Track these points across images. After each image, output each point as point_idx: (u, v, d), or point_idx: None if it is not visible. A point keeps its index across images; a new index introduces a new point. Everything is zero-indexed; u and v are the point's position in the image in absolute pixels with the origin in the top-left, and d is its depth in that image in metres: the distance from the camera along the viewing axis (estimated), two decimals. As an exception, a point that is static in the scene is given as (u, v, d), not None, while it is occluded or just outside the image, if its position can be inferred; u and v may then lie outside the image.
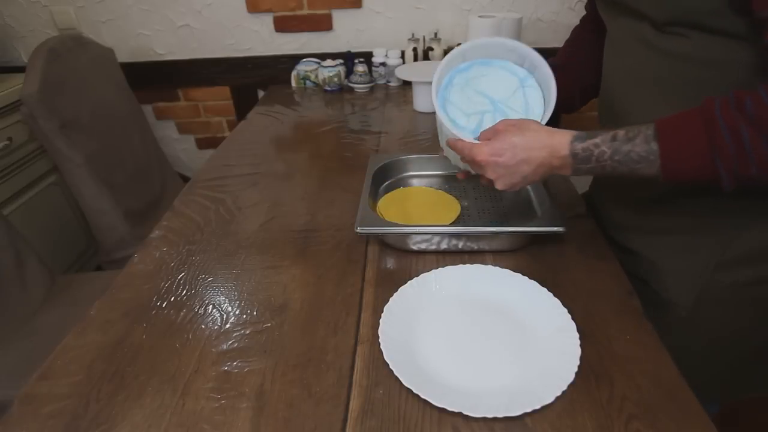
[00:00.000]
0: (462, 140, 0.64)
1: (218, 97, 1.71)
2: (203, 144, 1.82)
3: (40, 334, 1.02)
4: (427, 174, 0.91)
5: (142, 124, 1.52)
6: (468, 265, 0.68)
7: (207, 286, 0.70)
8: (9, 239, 1.07)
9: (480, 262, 0.69)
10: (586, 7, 0.84)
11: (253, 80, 1.66)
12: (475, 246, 0.72)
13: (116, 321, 0.64)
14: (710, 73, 0.54)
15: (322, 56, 1.54)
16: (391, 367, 0.53)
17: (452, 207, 0.81)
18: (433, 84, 0.69)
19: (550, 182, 0.78)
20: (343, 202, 0.88)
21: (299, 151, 1.12)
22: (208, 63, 1.64)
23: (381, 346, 0.56)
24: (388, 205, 0.83)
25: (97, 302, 0.67)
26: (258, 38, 1.61)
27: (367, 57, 1.52)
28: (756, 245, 0.60)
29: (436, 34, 1.50)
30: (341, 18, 1.56)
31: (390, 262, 0.72)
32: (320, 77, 1.49)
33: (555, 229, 0.69)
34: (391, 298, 0.63)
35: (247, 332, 0.61)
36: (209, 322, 0.63)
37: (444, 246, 0.72)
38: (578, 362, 0.52)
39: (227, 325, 0.63)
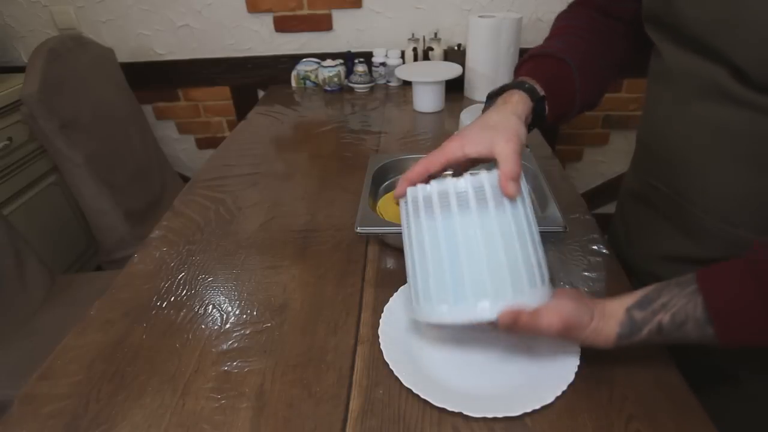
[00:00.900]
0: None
1: (218, 97, 1.71)
2: (203, 144, 1.82)
3: (40, 334, 1.02)
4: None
5: (142, 124, 1.52)
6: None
7: (207, 286, 0.70)
8: (9, 239, 1.07)
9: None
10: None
11: (253, 80, 1.67)
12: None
13: (116, 321, 0.64)
14: None
15: (322, 56, 1.54)
16: (391, 367, 0.53)
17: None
18: None
19: (550, 182, 0.78)
20: (343, 202, 0.88)
21: (299, 151, 1.12)
22: (208, 63, 1.64)
23: (381, 346, 0.56)
24: (388, 205, 0.83)
25: (97, 302, 0.67)
26: (258, 38, 1.61)
27: (367, 57, 1.52)
28: None
29: (436, 34, 1.50)
30: (341, 18, 1.56)
31: (390, 262, 0.72)
32: (320, 77, 1.50)
33: (555, 229, 0.69)
34: (391, 298, 0.63)
35: (247, 332, 0.61)
36: (209, 322, 0.63)
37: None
38: (578, 362, 0.52)
39: (227, 325, 0.63)
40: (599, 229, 0.77)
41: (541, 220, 0.72)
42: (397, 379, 0.52)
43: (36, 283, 1.11)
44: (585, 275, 0.68)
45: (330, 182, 0.96)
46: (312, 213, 0.86)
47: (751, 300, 0.42)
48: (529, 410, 0.48)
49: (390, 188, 0.88)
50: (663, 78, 0.58)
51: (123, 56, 1.56)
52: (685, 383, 0.51)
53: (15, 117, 1.39)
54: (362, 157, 1.02)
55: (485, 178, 0.46)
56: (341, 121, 1.28)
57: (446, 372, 0.54)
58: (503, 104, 0.55)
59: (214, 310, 0.65)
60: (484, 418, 0.48)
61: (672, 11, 0.51)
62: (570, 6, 0.70)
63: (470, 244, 0.46)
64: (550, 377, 0.51)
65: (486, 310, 0.46)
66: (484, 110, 0.58)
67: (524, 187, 0.49)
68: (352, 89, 1.50)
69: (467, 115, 1.05)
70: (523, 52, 1.33)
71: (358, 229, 0.70)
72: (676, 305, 0.45)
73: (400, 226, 0.71)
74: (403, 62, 1.51)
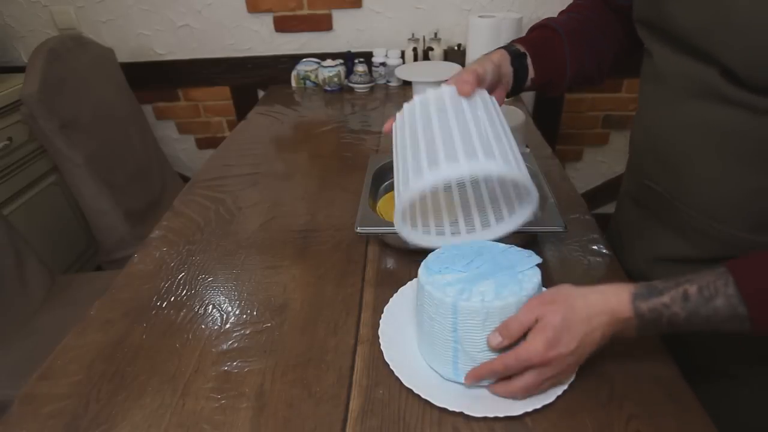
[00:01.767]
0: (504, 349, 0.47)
1: (218, 97, 1.71)
2: (203, 144, 1.82)
3: (40, 334, 1.02)
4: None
5: (142, 124, 1.52)
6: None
7: (207, 286, 0.70)
8: (9, 239, 1.07)
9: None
10: None
11: (253, 80, 1.67)
12: (475, 246, 0.72)
13: (116, 321, 0.64)
14: None
15: (322, 56, 1.54)
16: (391, 367, 0.53)
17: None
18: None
19: (550, 182, 0.78)
20: (343, 202, 0.88)
21: (299, 151, 1.12)
22: (208, 63, 1.64)
23: (381, 347, 0.56)
24: (388, 205, 0.83)
25: (97, 302, 0.67)
26: (258, 38, 1.61)
27: (367, 57, 1.52)
28: None
29: (436, 34, 1.50)
30: (341, 18, 1.56)
31: (390, 262, 0.72)
32: (320, 77, 1.49)
33: (555, 229, 0.69)
34: (391, 298, 0.63)
35: (247, 332, 0.61)
36: (209, 322, 0.63)
37: (444, 246, 0.72)
38: (578, 362, 0.52)
39: (227, 325, 0.63)
40: (599, 229, 0.77)
41: (541, 220, 0.73)
42: (397, 379, 0.52)
43: (36, 283, 1.11)
44: (585, 275, 0.68)
45: (330, 182, 0.96)
46: (312, 213, 0.86)
47: None
48: (529, 410, 0.48)
49: (390, 188, 0.88)
50: (654, 79, 0.58)
51: (123, 56, 1.56)
52: (685, 383, 0.51)
53: (15, 117, 1.39)
54: (362, 157, 1.02)
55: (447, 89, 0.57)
56: (341, 121, 1.28)
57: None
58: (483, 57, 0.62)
59: (214, 310, 0.65)
60: (485, 418, 0.48)
61: (662, 15, 0.52)
62: None
63: (443, 126, 0.53)
64: (551, 377, 0.51)
65: (461, 167, 0.49)
66: None
67: (490, 99, 0.58)
68: (352, 89, 1.50)
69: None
70: (523, 52, 1.33)
71: (358, 229, 0.70)
72: (703, 279, 0.44)
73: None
74: (403, 62, 1.51)
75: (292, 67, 1.56)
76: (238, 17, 1.57)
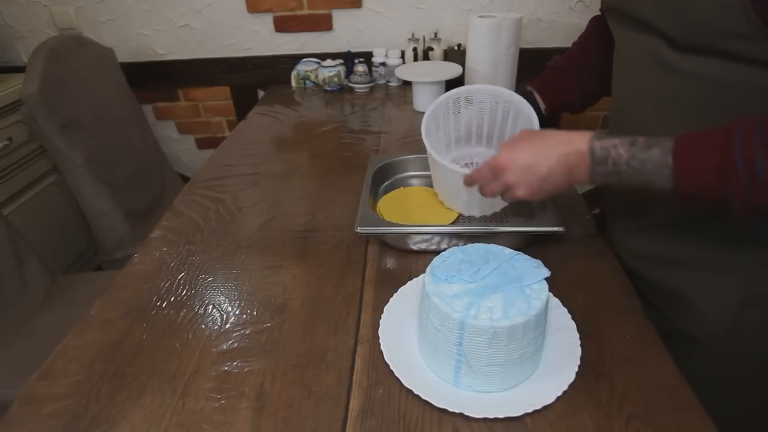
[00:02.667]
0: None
1: (218, 97, 1.71)
2: (203, 144, 1.82)
3: (40, 334, 1.02)
4: (427, 174, 0.91)
5: (142, 124, 1.52)
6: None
7: (207, 286, 0.70)
8: (9, 239, 1.07)
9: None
10: (601, 9, 0.80)
11: (253, 80, 1.66)
12: (475, 246, 0.72)
13: (116, 321, 0.64)
14: (733, 96, 0.51)
15: (322, 56, 1.54)
16: (391, 367, 0.53)
17: (452, 207, 0.81)
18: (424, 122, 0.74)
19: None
20: (343, 202, 0.88)
21: (299, 151, 1.12)
22: (208, 63, 1.64)
23: (381, 347, 0.56)
24: (388, 205, 0.83)
25: (97, 302, 0.67)
26: (258, 38, 1.61)
27: (367, 57, 1.52)
28: None
29: (436, 34, 1.50)
30: (341, 18, 1.56)
31: (390, 262, 0.72)
32: (320, 77, 1.49)
33: (555, 229, 0.69)
34: (391, 298, 0.63)
35: (247, 332, 0.61)
36: (209, 322, 0.63)
37: (444, 246, 0.72)
38: (578, 362, 0.52)
39: (227, 325, 0.63)
40: (599, 229, 0.77)
41: (541, 220, 0.73)
42: (397, 379, 0.52)
43: (36, 283, 1.11)
44: (585, 275, 0.68)
45: (330, 182, 0.96)
46: (312, 213, 0.86)
47: (710, 156, 0.46)
48: (529, 410, 0.48)
49: (390, 188, 0.88)
50: (617, 59, 0.66)
51: (123, 56, 1.56)
52: (685, 383, 0.51)
53: (15, 117, 1.39)
54: (362, 157, 1.02)
55: None
56: (341, 121, 1.28)
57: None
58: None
59: (214, 310, 0.65)
60: (485, 419, 0.48)
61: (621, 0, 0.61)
62: (590, 19, 0.84)
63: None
64: (550, 377, 0.51)
65: None
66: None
67: None
68: (352, 89, 1.50)
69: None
70: (523, 52, 1.33)
71: (358, 229, 0.70)
72: (654, 138, 0.51)
73: (400, 226, 0.72)
74: (403, 62, 1.51)
75: (292, 67, 1.56)
76: (238, 17, 1.57)
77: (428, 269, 0.54)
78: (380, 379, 0.54)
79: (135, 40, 1.61)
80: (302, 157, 1.09)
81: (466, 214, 0.77)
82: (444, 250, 0.72)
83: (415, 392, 0.50)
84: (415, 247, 0.73)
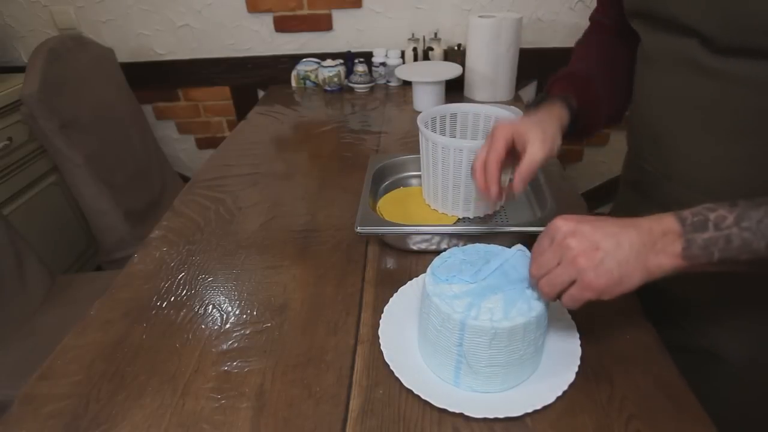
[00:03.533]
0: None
1: (218, 97, 1.71)
2: (203, 144, 1.82)
3: (40, 334, 1.02)
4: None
5: (142, 124, 1.52)
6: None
7: (207, 286, 0.70)
8: (9, 239, 1.07)
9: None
10: (597, 11, 0.75)
11: (253, 80, 1.66)
12: (475, 246, 0.72)
13: (116, 321, 0.64)
14: None
15: (322, 56, 1.54)
16: (391, 368, 0.53)
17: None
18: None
19: (550, 182, 0.78)
20: (343, 202, 0.88)
21: (299, 151, 1.12)
22: (207, 63, 1.64)
23: (381, 347, 0.56)
24: (388, 205, 0.83)
25: (97, 302, 0.67)
26: (258, 38, 1.61)
27: (367, 57, 1.52)
28: None
29: (436, 34, 1.50)
30: (341, 18, 1.56)
31: (390, 262, 0.72)
32: (320, 77, 1.49)
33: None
34: (391, 298, 0.63)
35: (247, 332, 0.61)
36: (209, 322, 0.63)
37: (444, 246, 0.72)
38: (578, 362, 0.52)
39: (227, 325, 0.63)
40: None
41: (541, 220, 0.73)
42: (397, 379, 0.52)
43: (36, 283, 1.11)
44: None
45: (330, 182, 0.96)
46: (312, 213, 0.86)
47: None
48: (529, 410, 0.48)
49: (390, 188, 0.88)
50: (644, 61, 0.62)
51: (123, 56, 1.56)
52: (685, 383, 0.51)
53: (15, 117, 1.39)
54: (362, 157, 1.02)
55: None
56: (341, 121, 1.28)
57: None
58: (549, 110, 0.63)
59: (214, 310, 0.65)
60: (485, 419, 0.48)
61: (648, 3, 0.56)
62: (585, 35, 0.77)
63: None
64: (551, 377, 0.51)
65: None
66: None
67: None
68: (352, 89, 1.50)
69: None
70: (522, 52, 1.33)
71: (358, 229, 0.70)
72: (755, 199, 0.41)
73: (400, 226, 0.72)
74: (403, 62, 1.51)
75: (292, 67, 1.56)
76: (238, 17, 1.57)
77: (429, 269, 0.54)
78: (380, 379, 0.54)
79: (135, 40, 1.61)
80: (302, 157, 1.09)
81: (461, 215, 0.77)
82: (444, 250, 0.72)
83: (415, 392, 0.50)
84: (415, 247, 0.73)
